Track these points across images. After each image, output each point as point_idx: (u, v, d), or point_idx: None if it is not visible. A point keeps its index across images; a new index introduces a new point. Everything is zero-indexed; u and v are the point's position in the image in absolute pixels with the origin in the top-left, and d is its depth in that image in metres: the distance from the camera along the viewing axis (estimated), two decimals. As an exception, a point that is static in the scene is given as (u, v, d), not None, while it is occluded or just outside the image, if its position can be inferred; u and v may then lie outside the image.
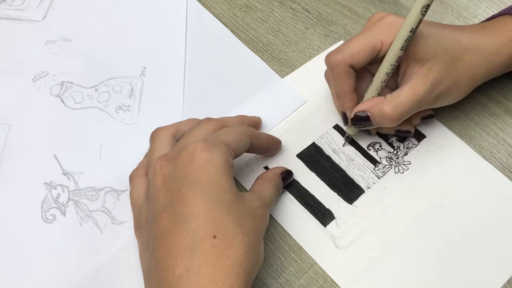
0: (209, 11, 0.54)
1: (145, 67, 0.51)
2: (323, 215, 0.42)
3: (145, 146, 0.43)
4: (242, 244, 0.33)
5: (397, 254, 0.40)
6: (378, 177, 0.44)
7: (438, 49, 0.40)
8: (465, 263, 0.40)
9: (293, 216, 0.42)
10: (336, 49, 0.41)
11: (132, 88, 0.49)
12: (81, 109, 0.48)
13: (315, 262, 0.41)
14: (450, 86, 0.41)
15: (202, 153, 0.35)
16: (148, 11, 0.54)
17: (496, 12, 0.52)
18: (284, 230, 0.42)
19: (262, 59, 0.51)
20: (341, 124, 0.46)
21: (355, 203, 0.43)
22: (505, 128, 0.46)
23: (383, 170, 0.44)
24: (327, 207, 0.43)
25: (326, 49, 0.51)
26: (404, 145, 0.46)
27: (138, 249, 0.39)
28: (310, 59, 0.51)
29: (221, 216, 0.33)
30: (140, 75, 0.50)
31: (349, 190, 0.44)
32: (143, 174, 0.40)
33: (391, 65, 0.40)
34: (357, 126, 0.43)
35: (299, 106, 0.48)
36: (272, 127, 0.47)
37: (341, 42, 0.51)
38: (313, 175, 0.44)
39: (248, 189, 0.43)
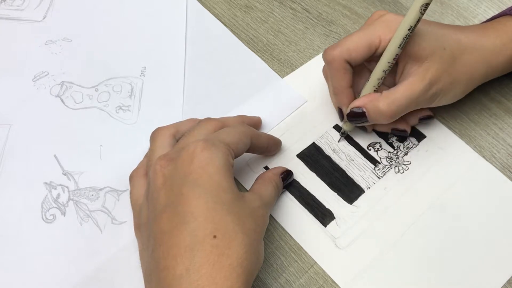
0: (209, 11, 0.54)
1: (145, 67, 0.51)
2: (323, 215, 0.42)
3: (145, 146, 0.43)
4: (242, 244, 0.33)
5: (397, 254, 0.40)
6: (378, 177, 0.44)
7: (436, 48, 0.40)
8: (465, 263, 0.40)
9: (293, 216, 0.42)
10: (333, 44, 0.42)
11: (132, 88, 0.49)
12: (81, 109, 0.48)
13: (315, 262, 0.41)
14: (448, 85, 0.41)
15: (202, 153, 0.35)
16: (148, 11, 0.54)
17: (496, 12, 0.52)
18: (284, 230, 0.42)
19: (262, 59, 0.51)
20: (341, 124, 0.46)
21: (355, 203, 0.43)
22: (505, 128, 0.46)
23: (383, 170, 0.44)
24: (327, 207, 0.43)
25: (326, 49, 0.51)
26: (404, 145, 0.46)
27: (138, 249, 0.39)
28: (310, 59, 0.51)
29: (221, 216, 0.33)
30: (140, 75, 0.50)
31: (349, 190, 0.44)
32: (143, 174, 0.40)
33: (389, 62, 0.40)
34: (353, 122, 0.43)
35: (299, 106, 0.48)
36: (272, 127, 0.47)
37: (341, 42, 0.51)
38: (313, 175, 0.44)
39: (248, 189, 0.43)
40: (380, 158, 0.45)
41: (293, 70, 0.50)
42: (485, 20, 0.47)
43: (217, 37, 0.52)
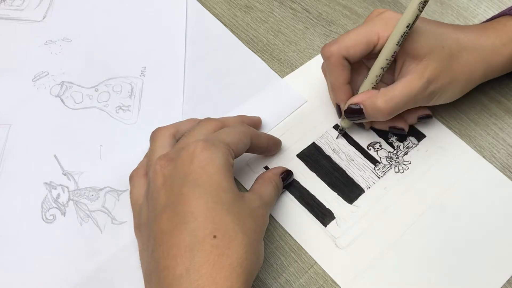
0: (209, 11, 0.54)
1: (145, 67, 0.51)
2: (323, 215, 0.42)
3: (145, 146, 0.43)
4: (242, 244, 0.33)
5: (397, 254, 0.40)
6: (378, 177, 0.44)
7: (435, 46, 0.40)
8: (465, 263, 0.40)
9: (293, 216, 0.42)
10: (332, 40, 0.42)
11: (132, 88, 0.49)
12: (81, 109, 0.48)
13: (315, 262, 0.41)
14: (446, 83, 0.41)
15: (202, 153, 0.35)
16: (148, 11, 0.54)
17: (496, 12, 0.52)
18: (284, 230, 0.42)
19: (262, 59, 0.51)
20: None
21: (355, 203, 0.43)
22: (505, 128, 0.46)
23: (383, 170, 0.44)
24: (327, 207, 0.43)
25: (326, 49, 0.51)
26: (404, 144, 0.46)
27: (138, 249, 0.39)
28: (310, 59, 0.51)
29: (221, 216, 0.33)
30: (140, 75, 0.50)
31: (349, 190, 0.44)
32: (143, 174, 0.40)
33: (387, 59, 0.40)
34: (351, 119, 0.43)
35: (299, 106, 0.48)
36: (272, 127, 0.47)
37: (341, 42, 0.51)
38: (313, 175, 0.44)
39: (248, 189, 0.43)
40: (380, 157, 0.45)
41: (293, 70, 0.50)
42: (485, 20, 0.47)
43: (217, 37, 0.52)
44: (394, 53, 0.40)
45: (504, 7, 0.53)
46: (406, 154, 0.45)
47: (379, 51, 0.40)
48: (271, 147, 0.44)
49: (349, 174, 0.44)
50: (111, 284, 0.39)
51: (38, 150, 0.45)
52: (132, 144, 0.46)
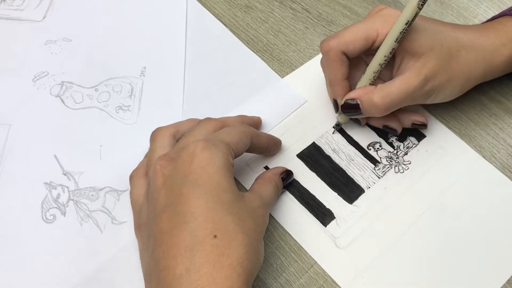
0: (209, 11, 0.54)
1: (145, 67, 0.51)
2: (323, 215, 0.42)
3: (145, 146, 0.43)
4: (242, 244, 0.33)
5: (397, 254, 0.40)
6: (378, 177, 0.44)
7: (434, 44, 0.40)
8: (465, 263, 0.40)
9: (293, 216, 0.42)
10: (331, 35, 0.42)
11: (132, 88, 0.49)
12: (81, 109, 0.48)
13: (315, 262, 0.41)
14: (444, 82, 0.41)
15: (202, 153, 0.35)
16: (148, 11, 0.54)
17: (496, 12, 0.52)
18: (284, 230, 0.42)
19: (262, 59, 0.51)
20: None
21: (355, 202, 0.43)
22: (505, 128, 0.46)
23: (383, 170, 0.44)
24: (327, 207, 0.43)
25: (326, 49, 0.51)
26: (404, 144, 0.46)
27: (138, 249, 0.39)
28: (310, 59, 0.51)
29: (221, 216, 0.33)
30: (140, 75, 0.50)
31: (349, 189, 0.44)
32: (143, 174, 0.40)
33: (385, 56, 0.40)
34: (347, 114, 0.43)
35: (299, 106, 0.48)
36: (272, 127, 0.47)
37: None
38: (313, 175, 0.44)
39: (248, 189, 0.43)
40: (380, 157, 0.45)
41: (293, 70, 0.50)
42: (485, 20, 0.47)
43: (217, 37, 0.52)
44: (392, 49, 0.40)
45: (504, 7, 0.53)
46: (406, 154, 0.45)
47: (378, 48, 0.40)
48: (271, 147, 0.44)
49: (349, 174, 0.44)
50: (111, 284, 0.39)
51: (38, 150, 0.45)
52: (132, 144, 0.46)
